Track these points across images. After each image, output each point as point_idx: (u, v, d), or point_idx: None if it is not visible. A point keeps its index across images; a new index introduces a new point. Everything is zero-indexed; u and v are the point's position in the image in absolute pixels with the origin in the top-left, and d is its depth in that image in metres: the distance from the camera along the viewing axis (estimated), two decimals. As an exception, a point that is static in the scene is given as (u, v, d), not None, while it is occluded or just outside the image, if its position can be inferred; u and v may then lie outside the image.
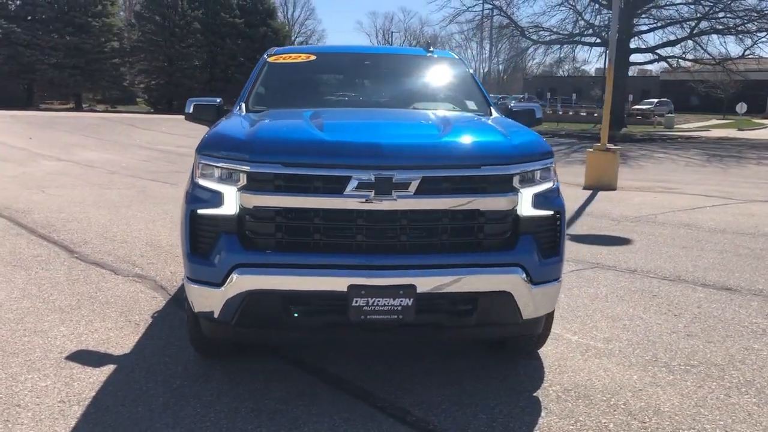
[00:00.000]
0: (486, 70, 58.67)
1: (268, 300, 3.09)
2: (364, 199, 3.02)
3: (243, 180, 3.11)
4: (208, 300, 3.19)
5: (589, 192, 12.14)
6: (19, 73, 43.11)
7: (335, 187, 3.03)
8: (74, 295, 5.00)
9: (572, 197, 11.09)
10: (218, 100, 4.53)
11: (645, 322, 4.68)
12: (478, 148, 3.26)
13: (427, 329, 3.26)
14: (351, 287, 3.02)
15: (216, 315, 3.19)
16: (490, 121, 3.96)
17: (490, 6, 36.70)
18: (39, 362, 3.75)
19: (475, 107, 4.56)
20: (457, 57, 5.01)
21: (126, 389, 3.42)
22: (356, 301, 3.03)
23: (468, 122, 3.93)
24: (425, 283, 3.07)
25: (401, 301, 3.04)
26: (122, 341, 4.10)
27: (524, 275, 3.20)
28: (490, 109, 4.47)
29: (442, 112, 4.29)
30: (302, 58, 4.84)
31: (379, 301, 3.04)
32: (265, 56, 4.96)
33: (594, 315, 4.82)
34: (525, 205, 3.24)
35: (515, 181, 3.20)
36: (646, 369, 3.85)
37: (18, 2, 43.42)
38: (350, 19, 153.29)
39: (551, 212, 3.35)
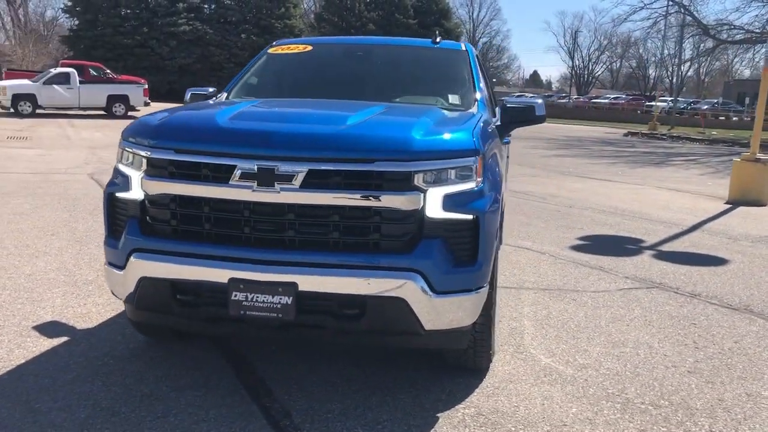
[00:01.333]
0: (670, 71, 54.47)
1: (159, 286, 3.10)
2: (249, 190, 2.91)
3: (144, 165, 3.13)
4: (115, 282, 3.26)
5: (727, 206, 10.87)
6: (209, 71, 47.18)
7: (221, 177, 2.96)
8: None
9: (702, 210, 10.07)
10: (211, 89, 4.60)
11: (650, 352, 4.10)
12: (375, 142, 2.99)
13: (315, 331, 3.07)
14: (231, 280, 2.94)
15: (123, 297, 3.25)
16: (429, 116, 3.64)
17: (671, 2, 33.95)
18: (9, 328, 4.04)
19: (457, 101, 4.25)
20: (463, 48, 4.68)
21: (53, 360, 3.59)
22: (235, 295, 2.95)
23: (399, 115, 3.63)
24: (308, 282, 2.90)
25: (280, 298, 2.91)
26: (98, 317, 4.29)
27: (423, 282, 2.91)
28: (475, 104, 4.11)
29: (395, 105, 4.04)
30: (299, 49, 4.79)
31: (257, 297, 2.93)
32: (267, 48, 4.97)
33: (595, 338, 4.30)
34: (432, 206, 2.94)
35: (418, 180, 2.91)
36: (596, 403, 3.37)
37: (213, 6, 47.44)
38: (537, 18, 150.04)
39: (467, 216, 3.01)
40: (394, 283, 2.89)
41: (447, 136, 3.13)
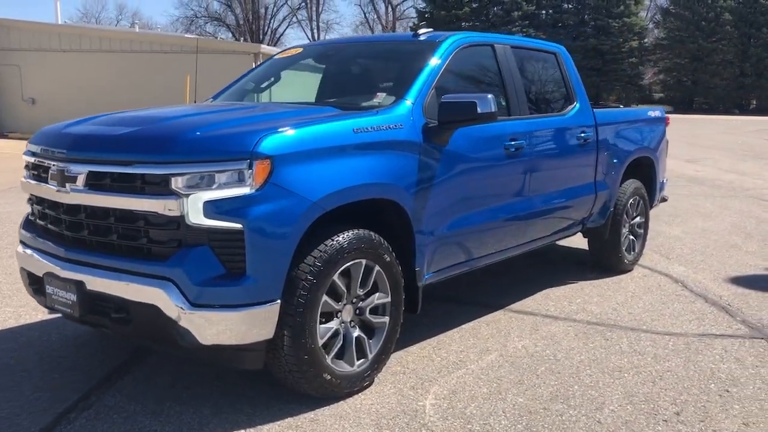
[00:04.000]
0: None
1: (24, 274, 3.56)
2: (54, 190, 3.20)
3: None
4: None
5: None
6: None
7: (43, 176, 3.30)
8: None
9: None
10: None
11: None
12: (138, 145, 3.00)
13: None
14: (45, 274, 3.27)
15: None
16: (240, 118, 3.44)
17: None
18: None
19: (392, 98, 3.82)
20: (439, 40, 4.16)
21: None
22: (48, 288, 3.26)
23: (199, 116, 3.47)
24: (92, 282, 3.07)
25: (70, 296, 3.13)
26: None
27: (176, 292, 2.85)
28: (400, 103, 3.70)
29: (248, 106, 3.97)
30: (293, 52, 4.81)
31: (59, 292, 3.20)
32: (275, 54, 5.10)
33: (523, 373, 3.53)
34: (194, 212, 2.85)
35: (176, 184, 2.85)
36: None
37: (549, 11, 47.39)
38: None
39: (233, 225, 2.84)
40: (148, 290, 2.88)
41: (221, 138, 2.97)
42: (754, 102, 50.15)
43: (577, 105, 5.14)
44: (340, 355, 3.30)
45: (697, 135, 24.97)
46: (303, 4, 70.84)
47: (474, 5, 47.91)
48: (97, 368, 3.69)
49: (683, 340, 4.27)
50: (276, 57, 4.93)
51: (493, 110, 3.65)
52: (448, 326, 4.45)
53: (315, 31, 71.04)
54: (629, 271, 5.99)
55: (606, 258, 5.83)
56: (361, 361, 3.38)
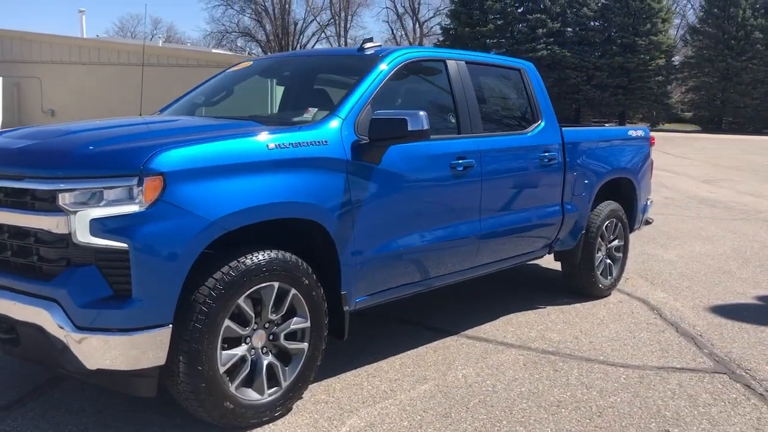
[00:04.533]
0: None
1: None
2: None
3: None
4: None
5: None
6: (565, 95, 46.79)
7: None
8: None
9: None
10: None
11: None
12: (28, 159, 2.91)
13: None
14: None
15: None
16: (150, 132, 3.33)
17: None
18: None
19: (324, 112, 3.68)
20: (381, 55, 4.00)
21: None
22: None
23: (112, 130, 3.36)
24: None
25: None
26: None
27: (60, 313, 2.73)
28: (335, 116, 3.56)
29: (213, 120, 3.74)
30: (244, 65, 4.71)
31: None
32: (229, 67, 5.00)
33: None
34: (81, 230, 2.73)
35: (63, 200, 2.74)
36: None
37: (576, 29, 46.99)
38: None
39: (118, 244, 2.71)
40: (33, 311, 2.77)
41: (111, 154, 2.85)
42: (786, 122, 49.07)
43: (542, 123, 4.95)
44: (248, 383, 3.13)
45: (721, 155, 24.40)
46: (332, 20, 71.40)
47: (499, 22, 47.74)
48: (11, 390, 3.58)
49: (638, 374, 4.02)
50: (228, 70, 4.83)
51: (424, 128, 3.49)
52: (393, 351, 4.27)
53: (344, 47, 71.43)
54: (605, 296, 5.75)
55: (579, 282, 5.60)
56: (274, 389, 3.22)
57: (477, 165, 4.23)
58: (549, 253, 5.30)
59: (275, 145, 3.16)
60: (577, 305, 5.47)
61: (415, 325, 4.81)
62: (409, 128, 3.44)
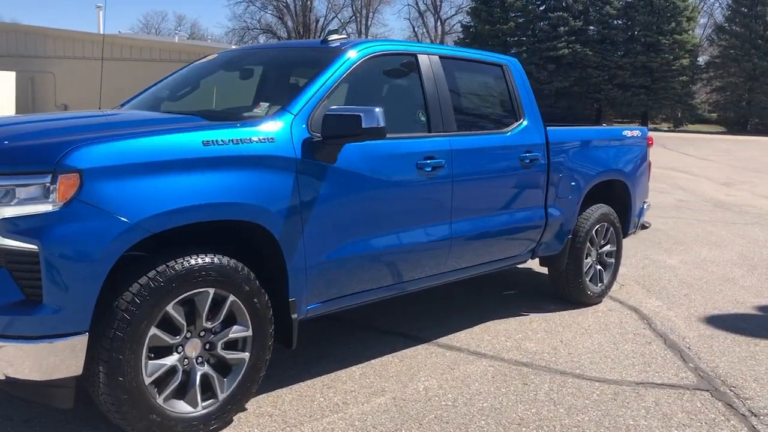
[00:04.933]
0: None
1: None
2: None
3: None
4: None
5: None
6: (586, 94, 46.16)
7: None
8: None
9: None
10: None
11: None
12: None
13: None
14: None
15: None
16: (87, 126, 3.14)
17: None
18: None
19: (276, 107, 3.49)
20: (343, 48, 3.79)
21: None
22: None
23: (35, 125, 3.20)
24: None
25: None
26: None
27: (-32, 318, 2.57)
28: (286, 112, 3.36)
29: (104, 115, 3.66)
30: (209, 58, 4.53)
31: None
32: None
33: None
34: (-11, 229, 2.57)
35: None
36: None
37: (599, 27, 46.32)
38: None
39: (27, 246, 2.55)
40: None
41: (26, 149, 2.69)
42: (814, 124, 47.93)
43: (525, 122, 4.70)
44: (180, 395, 2.95)
45: (744, 157, 23.81)
46: (353, 17, 71.30)
47: (520, 20, 47.20)
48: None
49: (614, 390, 3.78)
50: (195, 63, 4.65)
51: (380, 125, 3.27)
52: (356, 359, 4.06)
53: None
54: (595, 303, 5.49)
55: (566, 289, 5.34)
56: (209, 402, 3.03)
57: (447, 165, 4.00)
58: (533, 258, 5.05)
59: (211, 142, 2.96)
60: (564, 313, 5.22)
61: (385, 332, 4.60)
62: (364, 125, 3.23)
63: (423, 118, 4.04)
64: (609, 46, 46.14)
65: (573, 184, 5.04)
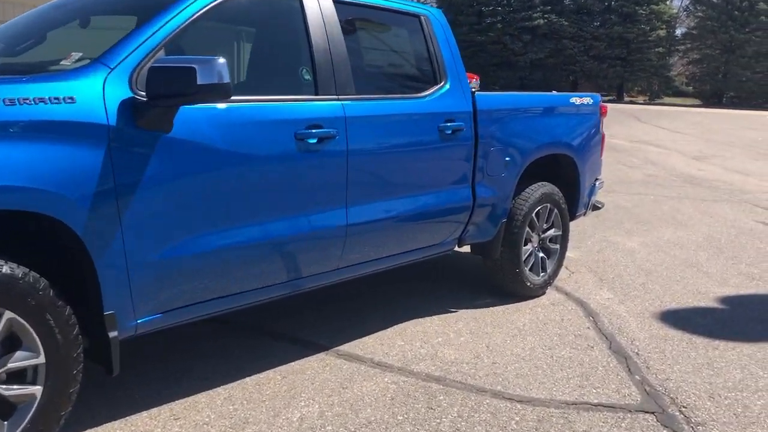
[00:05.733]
0: None
1: None
2: None
3: None
4: None
5: None
6: (561, 65, 45.38)
7: None
8: None
9: None
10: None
11: None
12: None
13: None
14: None
15: None
16: None
17: None
18: None
19: (87, 59, 2.67)
20: None
21: None
22: None
23: None
24: None
25: None
26: None
27: None
28: (98, 64, 2.55)
29: None
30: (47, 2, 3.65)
31: None
32: None
33: None
34: None
35: None
36: None
37: (575, -3, 45.40)
38: None
39: None
40: None
41: None
42: (789, 98, 47.64)
43: (446, 86, 3.91)
44: (-68, 447, 2.16)
45: (717, 130, 23.26)
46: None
47: (495, -11, 46.15)
48: None
49: (538, 413, 3.06)
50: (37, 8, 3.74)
51: (222, 81, 2.47)
52: (226, 378, 3.30)
53: None
54: (538, 296, 4.77)
55: (502, 280, 4.62)
56: (-16, 450, 2.24)
57: (340, 137, 3.22)
58: (460, 246, 4.30)
59: (-27, 104, 2.13)
60: (497, 309, 4.49)
61: (280, 338, 3.84)
62: (199, 81, 2.43)
63: (308, 77, 3.23)
64: (585, 16, 45.27)
65: (508, 159, 4.27)
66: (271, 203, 3.00)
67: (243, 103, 2.87)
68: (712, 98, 46.86)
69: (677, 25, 48.69)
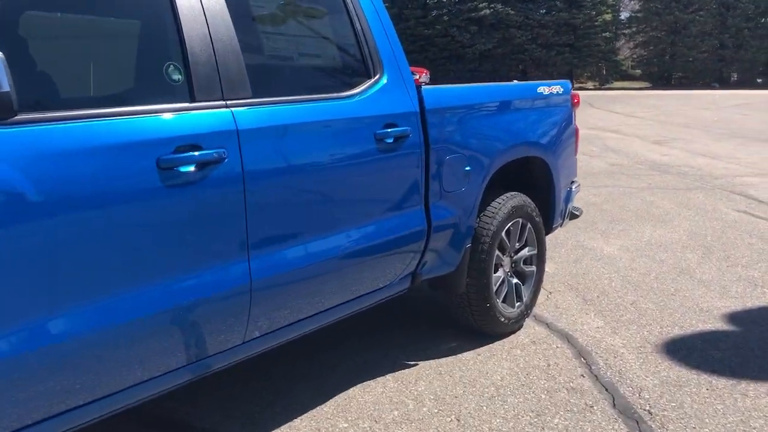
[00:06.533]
0: None
1: None
2: None
3: None
4: None
5: None
6: (510, 55, 44.98)
7: None
8: None
9: None
10: None
11: None
12: None
13: None
14: None
15: None
16: None
17: None
18: None
19: None
20: None
21: None
22: None
23: None
24: None
25: None
26: None
27: None
28: None
29: None
30: None
31: None
32: None
33: None
34: None
35: None
36: None
37: (520, -16, 44.99)
38: None
39: None
40: None
41: None
42: (735, 75, 48.04)
43: (383, 80, 2.96)
44: None
45: (671, 112, 22.91)
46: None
47: (439, -19, 45.44)
48: None
49: None
50: None
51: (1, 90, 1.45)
52: None
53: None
54: (514, 331, 3.86)
55: (470, 318, 3.69)
56: None
57: (232, 158, 2.23)
58: (414, 284, 3.35)
59: None
60: (467, 356, 3.57)
61: (183, 429, 2.82)
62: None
63: (177, 77, 2.23)
64: (530, 4, 44.89)
65: (468, 168, 3.34)
66: (124, 265, 1.99)
67: (67, 121, 1.86)
68: (661, 80, 47.08)
69: (622, 8, 48.73)
